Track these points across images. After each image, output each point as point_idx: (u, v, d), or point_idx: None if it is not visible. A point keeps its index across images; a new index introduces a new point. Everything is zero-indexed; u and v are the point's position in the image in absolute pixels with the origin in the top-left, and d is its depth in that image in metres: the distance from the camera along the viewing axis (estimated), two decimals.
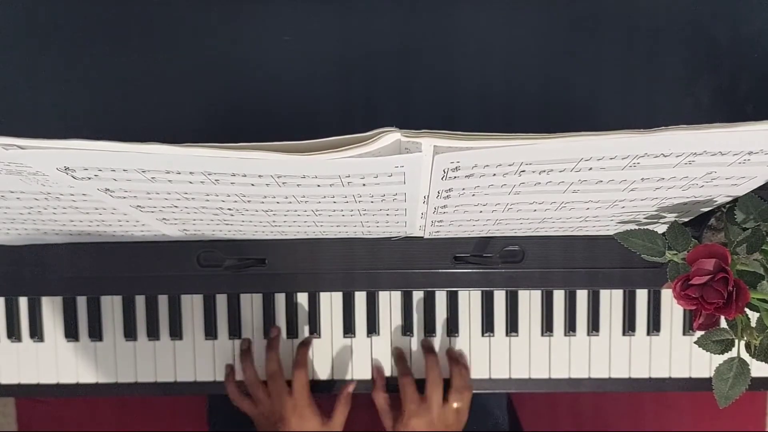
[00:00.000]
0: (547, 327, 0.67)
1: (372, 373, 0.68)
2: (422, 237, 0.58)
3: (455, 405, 0.64)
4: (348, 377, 0.68)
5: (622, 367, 0.68)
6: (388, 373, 0.68)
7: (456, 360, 0.67)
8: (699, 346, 0.43)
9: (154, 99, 0.53)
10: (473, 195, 0.40)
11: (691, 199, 0.43)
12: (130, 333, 0.67)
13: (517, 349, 0.68)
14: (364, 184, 0.37)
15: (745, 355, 0.42)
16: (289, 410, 0.63)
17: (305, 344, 0.67)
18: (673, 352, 0.68)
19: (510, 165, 0.34)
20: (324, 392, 0.68)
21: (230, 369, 0.67)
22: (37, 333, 0.68)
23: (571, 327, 0.67)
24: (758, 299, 0.41)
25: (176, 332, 0.67)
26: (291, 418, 0.63)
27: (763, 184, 0.40)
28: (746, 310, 0.41)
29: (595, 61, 0.52)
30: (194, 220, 0.47)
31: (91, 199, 0.42)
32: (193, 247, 0.59)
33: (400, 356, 0.68)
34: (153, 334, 0.67)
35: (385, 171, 0.34)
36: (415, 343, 0.68)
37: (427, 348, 0.67)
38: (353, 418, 0.67)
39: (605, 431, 1.27)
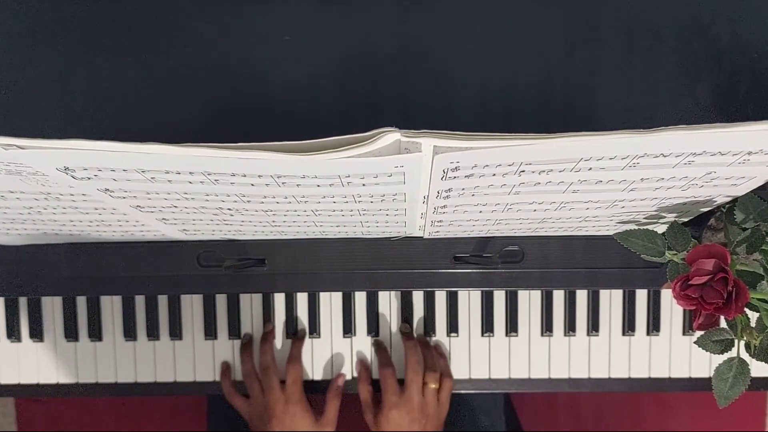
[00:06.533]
0: (547, 327, 0.67)
1: (357, 367, 0.68)
2: (422, 237, 0.58)
3: (432, 386, 0.63)
4: (347, 378, 0.68)
5: (621, 367, 0.68)
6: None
7: (426, 343, 0.66)
8: (699, 346, 0.43)
9: (154, 99, 0.53)
10: (473, 195, 0.40)
11: (690, 199, 0.43)
12: (129, 333, 0.67)
13: (516, 349, 0.68)
14: (363, 184, 0.37)
15: (744, 355, 0.42)
16: (280, 408, 0.63)
17: (300, 339, 0.67)
18: (673, 352, 0.68)
19: (510, 165, 0.34)
20: (322, 393, 0.68)
21: (227, 366, 0.68)
22: (36, 333, 0.68)
23: (570, 327, 0.67)
24: (758, 299, 0.41)
25: (176, 332, 0.67)
26: (282, 416, 0.63)
27: (763, 184, 0.40)
28: (746, 310, 0.41)
29: (595, 61, 0.52)
30: (194, 220, 0.47)
31: (91, 200, 0.41)
32: (193, 247, 0.59)
33: (380, 347, 0.67)
34: (153, 334, 0.67)
35: (384, 171, 0.34)
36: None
37: (406, 333, 0.67)
38: (347, 417, 0.67)
39: (605, 431, 1.27)
